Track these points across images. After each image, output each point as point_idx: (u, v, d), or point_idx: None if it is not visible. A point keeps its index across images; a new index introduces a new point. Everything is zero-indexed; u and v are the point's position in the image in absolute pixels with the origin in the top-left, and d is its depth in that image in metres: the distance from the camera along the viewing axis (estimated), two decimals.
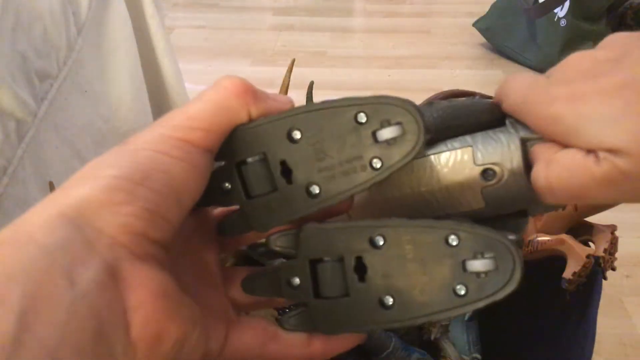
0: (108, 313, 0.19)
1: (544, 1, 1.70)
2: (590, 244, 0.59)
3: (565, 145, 0.24)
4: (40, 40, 0.65)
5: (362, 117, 0.24)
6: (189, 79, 1.00)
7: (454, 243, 0.24)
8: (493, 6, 1.94)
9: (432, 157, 0.28)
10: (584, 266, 0.54)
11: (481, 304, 0.24)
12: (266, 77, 1.68)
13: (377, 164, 0.25)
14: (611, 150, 0.22)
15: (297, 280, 0.27)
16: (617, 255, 0.58)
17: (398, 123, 0.24)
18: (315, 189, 0.25)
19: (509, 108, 0.27)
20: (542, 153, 0.25)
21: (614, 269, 0.57)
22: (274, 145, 0.25)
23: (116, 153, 0.22)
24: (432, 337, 0.62)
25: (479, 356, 0.63)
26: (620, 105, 0.22)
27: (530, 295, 0.65)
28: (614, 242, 0.57)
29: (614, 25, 1.74)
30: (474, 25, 1.96)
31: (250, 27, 2.18)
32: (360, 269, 0.26)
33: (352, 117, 0.24)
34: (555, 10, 1.72)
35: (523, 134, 0.27)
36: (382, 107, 0.24)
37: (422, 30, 2.10)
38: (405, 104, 0.24)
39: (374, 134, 0.24)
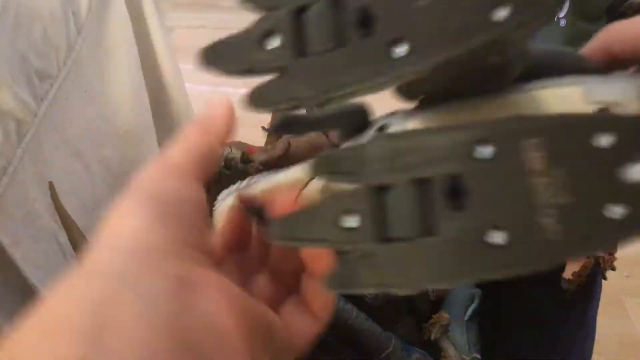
0: (185, 317, 0.19)
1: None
2: None
3: None
4: (40, 40, 0.65)
5: None
6: (189, 79, 1.00)
7: (605, 143, 0.17)
8: None
9: (530, 93, 0.22)
10: (584, 266, 0.54)
11: None
12: (266, 77, 1.68)
13: (501, 13, 0.17)
14: None
15: (352, 221, 0.19)
16: (617, 255, 0.58)
17: None
18: (403, 48, 0.18)
19: (617, 50, 0.23)
20: None
21: (614, 269, 0.57)
22: None
23: (129, 191, 0.23)
24: (432, 337, 0.62)
25: (479, 356, 0.63)
26: None
27: (530, 295, 0.65)
28: None
29: None
30: None
31: None
32: (457, 193, 0.18)
33: None
34: None
35: None
36: None
37: None
38: None
39: None
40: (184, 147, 0.24)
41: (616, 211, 0.16)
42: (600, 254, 0.56)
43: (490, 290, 0.67)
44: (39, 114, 0.65)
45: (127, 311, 0.18)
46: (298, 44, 0.19)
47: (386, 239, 0.19)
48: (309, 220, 0.20)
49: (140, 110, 0.86)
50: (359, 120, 0.25)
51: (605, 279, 0.57)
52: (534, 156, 0.17)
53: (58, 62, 0.69)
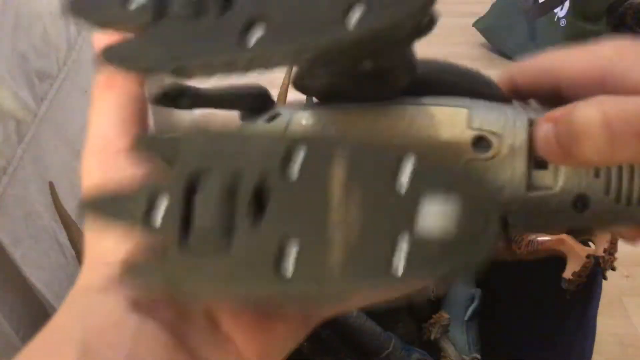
0: (183, 321, 0.19)
1: (544, 1, 1.71)
2: (590, 244, 0.59)
3: None
4: (40, 40, 0.65)
5: None
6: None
7: (404, 181, 0.16)
8: (493, 6, 1.94)
9: (415, 106, 0.22)
10: (584, 266, 0.54)
11: (423, 280, 0.16)
12: (266, 77, 1.68)
13: (355, 15, 0.17)
14: None
15: (160, 212, 0.18)
16: (617, 255, 0.58)
17: None
18: (258, 30, 0.18)
19: (567, 81, 0.22)
20: None
21: (614, 269, 0.57)
22: None
23: None
24: (432, 337, 0.62)
25: (479, 356, 0.63)
26: None
27: (530, 295, 0.65)
28: (614, 242, 0.57)
29: (614, 25, 1.74)
30: (474, 25, 1.96)
31: None
32: (260, 200, 0.17)
33: None
34: (555, 10, 1.72)
35: (533, 115, 0.22)
36: None
37: None
38: None
39: None
40: (112, 115, 0.22)
41: (398, 254, 0.16)
42: (601, 254, 0.56)
43: (491, 290, 0.67)
44: (39, 114, 0.65)
45: (124, 322, 0.18)
46: (159, 6, 0.20)
47: (185, 240, 0.18)
48: (119, 200, 0.19)
49: None
50: (257, 103, 0.24)
51: (605, 279, 0.57)
52: (336, 181, 0.17)
53: (58, 62, 0.69)
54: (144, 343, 0.18)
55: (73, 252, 0.58)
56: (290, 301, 0.17)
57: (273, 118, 0.24)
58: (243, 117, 0.25)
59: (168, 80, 0.22)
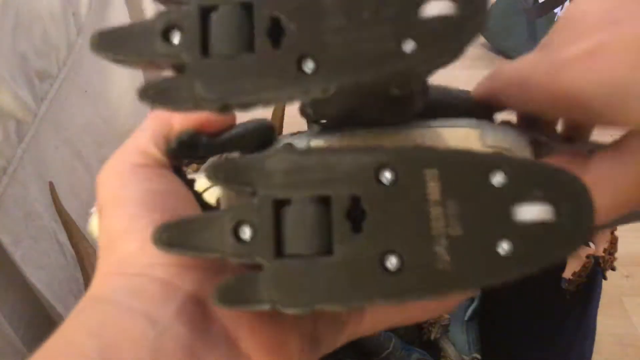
0: (203, 340, 0.19)
1: (544, 1, 1.71)
2: (590, 244, 0.59)
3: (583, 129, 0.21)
4: (40, 40, 0.65)
5: None
6: None
7: (499, 182, 0.17)
8: (493, 6, 1.94)
9: (429, 129, 0.23)
10: (584, 266, 0.54)
11: (531, 268, 0.17)
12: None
13: (409, 46, 0.17)
14: None
15: (247, 232, 0.18)
16: (617, 255, 0.58)
17: None
18: (309, 65, 0.18)
19: (503, 96, 0.23)
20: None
21: (613, 269, 0.57)
22: None
23: (111, 207, 0.22)
24: (432, 337, 0.62)
25: (479, 356, 0.63)
26: None
27: (530, 295, 0.65)
28: (613, 242, 0.57)
29: None
30: None
31: None
32: (355, 214, 0.18)
33: None
34: (555, 10, 1.72)
35: (531, 135, 0.24)
36: None
37: None
38: None
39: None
40: (142, 136, 0.23)
41: (505, 247, 0.17)
42: (601, 254, 0.56)
43: (491, 291, 0.67)
44: (39, 114, 0.65)
45: (140, 339, 0.18)
46: (203, 42, 0.19)
47: (280, 255, 0.18)
48: (202, 227, 0.19)
49: (140, 110, 0.86)
50: (264, 138, 0.25)
51: (605, 279, 0.57)
52: (432, 185, 0.18)
53: (58, 62, 0.69)
54: None
55: (73, 252, 0.58)
56: (395, 302, 0.17)
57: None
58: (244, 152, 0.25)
59: (183, 132, 0.23)
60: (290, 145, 0.21)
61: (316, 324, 0.21)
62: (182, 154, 0.23)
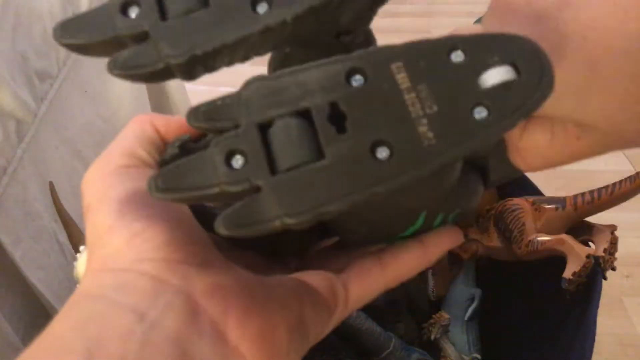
0: (191, 333, 0.19)
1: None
2: (590, 244, 0.59)
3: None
4: (40, 40, 0.65)
5: None
6: None
7: (459, 59, 0.19)
8: None
9: None
10: (584, 266, 0.54)
11: (509, 123, 0.19)
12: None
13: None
14: (580, 125, 0.21)
15: (240, 159, 0.19)
16: (617, 255, 0.58)
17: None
18: (263, 6, 0.20)
19: None
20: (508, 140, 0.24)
21: (614, 269, 0.57)
22: None
23: (95, 208, 0.22)
24: (432, 337, 0.62)
25: (479, 356, 0.63)
26: (579, 65, 0.20)
27: (530, 295, 0.65)
28: (614, 242, 0.57)
29: None
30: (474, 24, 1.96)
31: None
32: (337, 118, 0.19)
33: None
34: None
35: None
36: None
37: (422, 30, 2.10)
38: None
39: None
40: (123, 141, 0.23)
41: (480, 112, 0.19)
42: (601, 254, 0.56)
43: (491, 290, 0.67)
44: (39, 114, 0.65)
45: (127, 333, 0.18)
46: (160, 7, 0.20)
47: (275, 172, 0.19)
48: (195, 166, 0.19)
49: (140, 110, 0.86)
50: None
51: (605, 279, 0.57)
52: (401, 76, 0.19)
53: (58, 62, 0.69)
54: (149, 354, 0.17)
55: (73, 252, 0.58)
56: (392, 188, 0.19)
57: None
58: None
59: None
60: (261, 75, 0.21)
61: (303, 313, 0.21)
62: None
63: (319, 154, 0.19)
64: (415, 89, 0.19)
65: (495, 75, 0.19)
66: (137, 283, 0.19)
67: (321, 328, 0.23)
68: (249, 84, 0.20)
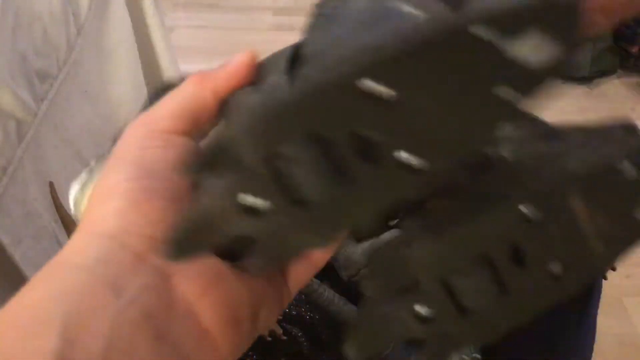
0: (166, 312, 0.19)
1: None
2: None
3: None
4: (40, 40, 0.65)
5: None
6: None
7: (633, 175, 0.20)
8: None
9: None
10: None
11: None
12: None
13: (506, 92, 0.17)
14: None
15: (426, 311, 0.20)
16: None
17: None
18: (411, 159, 0.17)
19: None
20: None
21: (614, 269, 0.57)
22: (328, 113, 0.16)
23: (112, 164, 0.22)
24: None
25: (478, 356, 0.62)
26: None
27: None
28: None
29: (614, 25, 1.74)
30: None
31: (250, 27, 2.18)
32: (516, 256, 0.20)
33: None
34: None
35: None
36: None
37: None
38: None
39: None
40: (174, 102, 0.23)
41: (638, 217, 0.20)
42: None
43: None
44: (39, 114, 0.65)
45: (104, 308, 0.18)
46: (288, 195, 0.19)
47: (466, 315, 0.20)
48: (384, 325, 0.21)
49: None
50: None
51: (605, 279, 0.57)
52: (578, 207, 0.20)
53: (58, 62, 0.69)
54: (124, 331, 0.18)
55: None
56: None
57: None
58: None
59: None
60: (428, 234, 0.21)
61: (259, 312, 0.22)
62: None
63: (503, 290, 0.20)
64: (591, 217, 0.20)
65: None
66: (119, 256, 0.19)
67: (263, 327, 0.23)
68: (420, 242, 0.20)
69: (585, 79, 1.70)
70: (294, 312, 0.59)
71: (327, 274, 0.64)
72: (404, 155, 0.17)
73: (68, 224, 0.58)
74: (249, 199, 0.18)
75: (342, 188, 0.18)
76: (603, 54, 1.69)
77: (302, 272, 0.25)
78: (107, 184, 0.21)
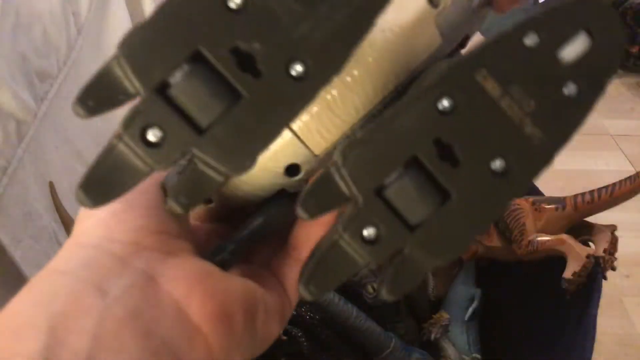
0: (153, 310, 0.19)
1: (544, 1, 1.71)
2: (590, 244, 0.59)
3: None
4: (40, 40, 0.65)
5: None
6: None
7: (534, 42, 0.19)
8: None
9: None
10: (584, 266, 0.54)
11: (599, 87, 0.19)
12: None
13: None
14: None
15: (372, 232, 0.19)
16: (617, 255, 0.58)
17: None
18: (298, 67, 0.18)
19: None
20: None
21: (614, 269, 0.57)
22: (204, 29, 0.18)
23: None
24: (432, 337, 0.62)
25: (478, 356, 0.63)
26: None
27: (530, 295, 0.65)
28: (614, 242, 0.57)
29: None
30: None
31: None
32: (444, 152, 0.19)
33: None
34: None
35: None
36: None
37: None
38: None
39: None
40: None
41: (571, 88, 0.19)
42: (601, 254, 0.56)
43: (491, 290, 0.67)
44: (39, 114, 0.65)
45: (89, 308, 0.18)
46: (188, 122, 0.19)
47: (413, 230, 0.19)
48: (334, 259, 0.20)
49: None
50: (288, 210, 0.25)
51: (605, 279, 0.57)
52: (489, 85, 0.19)
53: (58, 62, 0.69)
54: (110, 328, 0.18)
55: None
56: (519, 193, 0.20)
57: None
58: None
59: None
60: (353, 139, 0.20)
61: (256, 305, 0.22)
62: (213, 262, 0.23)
63: (444, 196, 0.19)
64: (507, 92, 0.19)
65: (573, 49, 0.19)
66: (103, 261, 0.20)
67: (268, 329, 0.23)
68: (345, 155, 0.19)
69: None
70: (294, 312, 0.59)
71: None
72: (289, 66, 0.18)
73: (68, 224, 0.58)
74: (154, 132, 0.19)
75: (236, 108, 0.18)
76: None
77: (295, 273, 0.24)
78: None
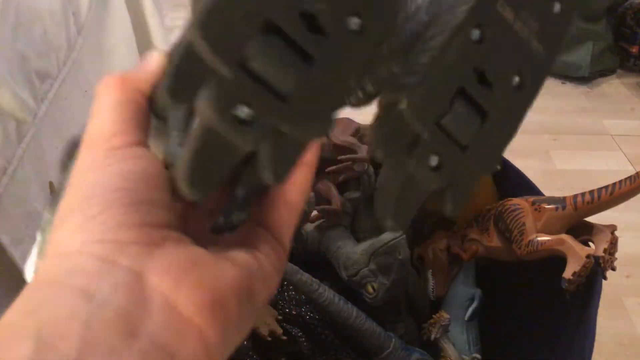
0: (139, 308, 0.19)
1: None
2: (590, 244, 0.59)
3: None
4: (40, 40, 0.65)
5: None
6: None
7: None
8: None
9: None
10: (584, 266, 0.54)
11: (576, 7, 0.24)
12: None
13: None
14: None
15: (436, 159, 0.22)
16: (617, 255, 0.58)
17: None
18: (355, 20, 0.20)
19: None
20: None
21: (614, 269, 0.57)
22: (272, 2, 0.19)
23: (74, 192, 0.22)
24: (432, 337, 0.62)
25: (479, 356, 0.63)
26: None
27: (530, 295, 0.65)
28: (614, 242, 0.57)
29: (614, 25, 1.74)
30: None
31: None
32: (482, 80, 0.23)
33: None
34: None
35: None
36: None
37: None
38: None
39: None
40: (112, 115, 0.23)
41: (556, 7, 0.23)
42: (601, 254, 0.56)
43: (491, 290, 0.67)
44: (39, 114, 0.65)
45: (76, 313, 0.18)
46: (266, 89, 0.20)
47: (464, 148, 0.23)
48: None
49: None
50: None
51: (605, 279, 0.57)
52: (507, 13, 0.22)
53: (58, 62, 0.69)
54: (97, 331, 0.18)
55: None
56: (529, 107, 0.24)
57: None
58: None
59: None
60: None
61: (252, 285, 0.22)
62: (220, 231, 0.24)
63: (483, 116, 0.23)
64: (519, 17, 0.23)
65: None
66: (86, 265, 0.19)
67: (267, 296, 0.23)
68: (408, 95, 0.22)
69: (585, 79, 1.70)
70: (294, 312, 0.59)
71: (327, 274, 0.64)
72: (348, 21, 0.20)
73: None
74: (243, 110, 0.19)
75: (309, 69, 0.20)
76: (603, 54, 1.69)
77: (285, 217, 0.25)
78: (63, 209, 0.22)
